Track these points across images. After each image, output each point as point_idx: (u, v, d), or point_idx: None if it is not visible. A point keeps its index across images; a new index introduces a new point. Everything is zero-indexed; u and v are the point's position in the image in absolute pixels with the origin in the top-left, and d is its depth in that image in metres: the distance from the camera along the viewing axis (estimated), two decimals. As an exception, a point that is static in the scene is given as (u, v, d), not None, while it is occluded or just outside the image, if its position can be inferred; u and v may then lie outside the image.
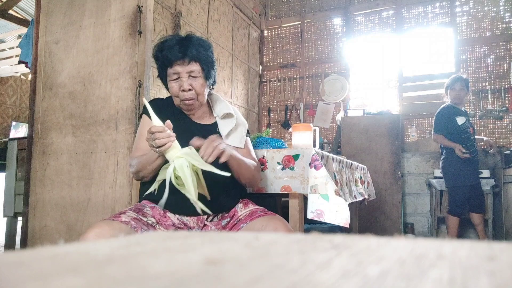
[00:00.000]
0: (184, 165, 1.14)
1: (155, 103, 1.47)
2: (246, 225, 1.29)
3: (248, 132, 1.55)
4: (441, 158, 3.33)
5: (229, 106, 1.49)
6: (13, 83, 5.28)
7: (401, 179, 3.95)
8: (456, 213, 3.18)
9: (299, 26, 5.24)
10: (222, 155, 1.18)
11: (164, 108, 1.43)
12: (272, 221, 1.25)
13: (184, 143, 1.32)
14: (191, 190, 1.13)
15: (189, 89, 1.33)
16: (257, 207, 1.41)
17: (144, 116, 1.44)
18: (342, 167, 2.01)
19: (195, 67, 1.32)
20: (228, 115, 1.46)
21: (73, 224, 2.27)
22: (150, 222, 1.25)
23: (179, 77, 1.33)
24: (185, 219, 1.32)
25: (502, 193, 3.52)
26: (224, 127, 1.45)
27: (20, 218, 2.76)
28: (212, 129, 1.44)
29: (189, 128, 1.41)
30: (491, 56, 4.28)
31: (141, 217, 1.24)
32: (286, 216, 1.55)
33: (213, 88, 1.50)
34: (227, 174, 1.14)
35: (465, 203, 3.19)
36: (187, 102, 1.35)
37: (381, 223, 3.88)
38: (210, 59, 1.37)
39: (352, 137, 4.07)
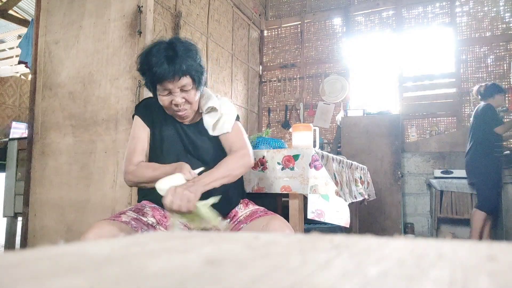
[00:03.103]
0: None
1: (146, 102, 1.45)
2: (247, 225, 1.29)
3: (238, 117, 1.47)
4: (476, 155, 3.32)
5: (213, 98, 1.41)
6: (13, 83, 5.28)
7: (401, 179, 3.95)
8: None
9: (299, 26, 5.24)
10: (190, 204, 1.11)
11: (156, 107, 1.40)
12: (272, 221, 1.25)
13: (173, 145, 1.36)
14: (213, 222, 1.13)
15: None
16: (257, 207, 1.41)
17: (136, 117, 1.41)
18: (342, 167, 2.01)
19: (186, 80, 1.26)
20: (212, 109, 1.39)
21: (73, 224, 2.27)
22: (150, 222, 1.25)
23: (170, 92, 1.28)
24: (185, 220, 1.32)
25: (502, 193, 3.52)
26: (208, 121, 1.39)
27: (20, 218, 2.76)
28: (201, 127, 1.41)
29: (179, 130, 1.39)
30: (491, 56, 4.28)
31: (141, 217, 1.24)
32: (286, 216, 1.55)
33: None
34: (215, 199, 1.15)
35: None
36: (180, 113, 1.32)
37: (381, 223, 3.88)
38: (200, 68, 1.31)
39: (352, 137, 4.07)
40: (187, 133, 1.39)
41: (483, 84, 3.50)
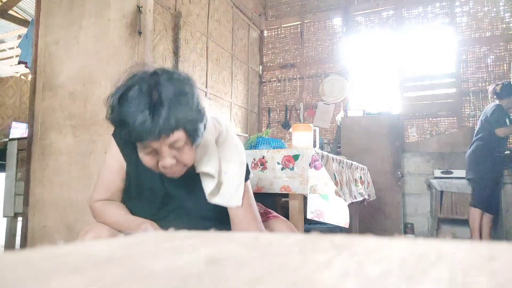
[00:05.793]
0: None
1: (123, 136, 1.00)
2: None
3: (248, 171, 1.14)
4: (477, 151, 3.34)
5: (211, 148, 1.05)
6: (13, 84, 5.28)
7: (401, 180, 3.95)
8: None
9: (299, 26, 5.24)
10: None
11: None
12: (275, 224, 1.24)
13: (152, 191, 1.08)
14: None
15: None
16: (262, 209, 1.39)
17: (112, 143, 1.10)
18: (342, 167, 2.01)
19: (178, 135, 0.89)
20: (208, 175, 1.05)
21: (73, 224, 2.27)
22: (150, 222, 1.23)
23: (155, 151, 0.92)
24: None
25: (502, 193, 3.52)
26: (206, 185, 1.06)
27: (20, 218, 2.76)
28: (193, 177, 1.08)
29: (162, 175, 1.04)
30: (491, 56, 4.29)
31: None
32: (286, 216, 1.55)
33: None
34: None
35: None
36: (169, 175, 0.98)
37: (381, 223, 3.88)
38: (197, 115, 0.92)
39: (352, 137, 4.07)
40: (172, 181, 1.03)
41: (500, 83, 3.44)
